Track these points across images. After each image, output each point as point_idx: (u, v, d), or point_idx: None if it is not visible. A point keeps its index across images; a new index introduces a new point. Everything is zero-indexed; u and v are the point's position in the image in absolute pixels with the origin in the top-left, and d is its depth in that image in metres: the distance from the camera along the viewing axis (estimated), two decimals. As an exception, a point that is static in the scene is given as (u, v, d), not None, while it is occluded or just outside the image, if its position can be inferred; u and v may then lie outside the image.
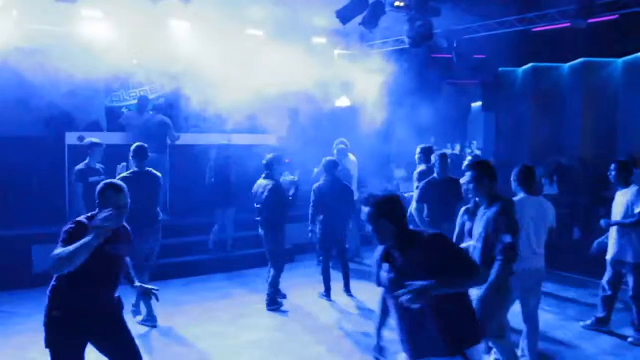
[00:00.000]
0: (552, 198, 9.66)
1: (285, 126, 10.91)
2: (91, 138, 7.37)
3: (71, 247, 3.15)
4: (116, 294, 3.71)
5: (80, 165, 7.10)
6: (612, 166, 6.04)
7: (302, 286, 7.89)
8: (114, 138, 8.76)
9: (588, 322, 6.41)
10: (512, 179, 5.13)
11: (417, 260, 3.04)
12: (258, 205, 6.83)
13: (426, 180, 6.90)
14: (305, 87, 11.65)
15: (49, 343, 3.47)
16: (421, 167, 7.63)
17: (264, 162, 6.88)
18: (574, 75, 11.94)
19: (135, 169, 6.24)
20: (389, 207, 3.13)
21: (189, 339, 5.88)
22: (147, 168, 6.32)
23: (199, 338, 5.91)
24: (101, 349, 3.66)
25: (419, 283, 2.87)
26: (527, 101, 12.72)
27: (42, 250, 7.67)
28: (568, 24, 8.50)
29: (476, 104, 16.96)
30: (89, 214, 3.55)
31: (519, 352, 5.07)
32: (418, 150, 7.85)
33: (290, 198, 6.84)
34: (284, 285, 7.18)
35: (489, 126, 15.38)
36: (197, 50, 9.02)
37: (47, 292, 3.53)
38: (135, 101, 10.26)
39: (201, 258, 8.53)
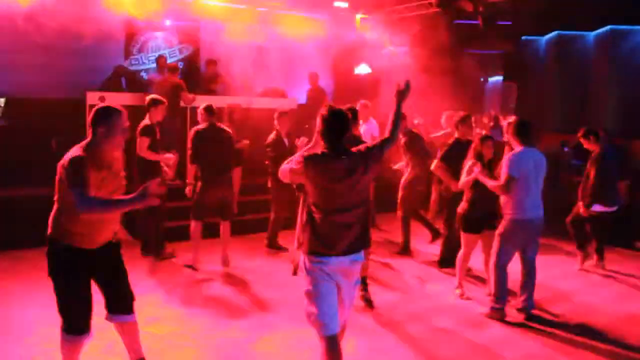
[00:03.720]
0: (577, 169, 9.55)
1: (305, 92, 10.77)
2: (152, 95, 6.84)
3: (111, 204, 3.31)
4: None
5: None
6: None
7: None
8: (134, 99, 8.64)
9: None
10: (507, 132, 5.08)
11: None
12: None
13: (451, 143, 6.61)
14: (326, 52, 11.46)
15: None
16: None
17: None
18: (601, 43, 11.65)
19: (207, 124, 6.42)
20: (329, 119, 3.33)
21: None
22: (217, 124, 6.52)
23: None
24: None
25: None
26: (550, 71, 12.47)
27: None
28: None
29: (493, 78, 16.67)
30: (84, 144, 3.39)
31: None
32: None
33: None
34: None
35: (507, 97, 15.14)
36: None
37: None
38: (154, 65, 10.22)
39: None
